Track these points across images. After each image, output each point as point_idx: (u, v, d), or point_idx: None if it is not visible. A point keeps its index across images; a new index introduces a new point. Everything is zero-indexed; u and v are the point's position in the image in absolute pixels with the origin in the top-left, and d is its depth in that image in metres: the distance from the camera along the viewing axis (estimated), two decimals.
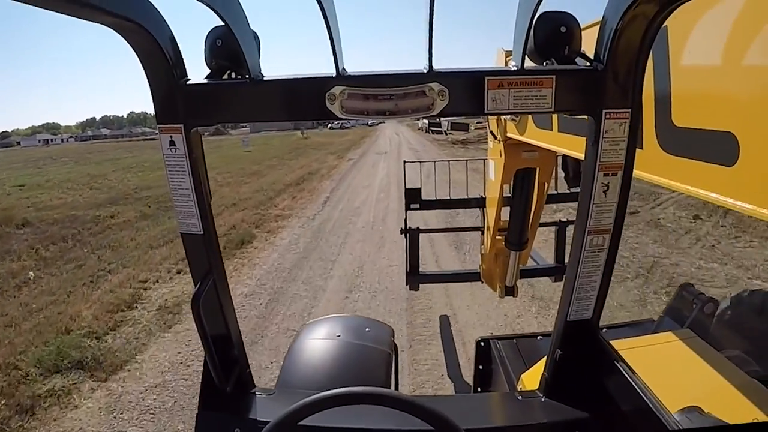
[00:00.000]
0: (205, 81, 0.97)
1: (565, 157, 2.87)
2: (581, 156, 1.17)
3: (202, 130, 1.05)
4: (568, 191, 3.55)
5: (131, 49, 0.91)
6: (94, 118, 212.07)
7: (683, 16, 0.92)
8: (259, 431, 0.95)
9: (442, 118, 38.77)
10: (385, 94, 0.92)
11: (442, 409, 0.86)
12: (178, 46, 0.94)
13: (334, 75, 0.92)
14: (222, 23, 0.87)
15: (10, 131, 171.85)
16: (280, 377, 1.66)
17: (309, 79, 0.95)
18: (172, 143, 0.98)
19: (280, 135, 52.83)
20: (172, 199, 1.03)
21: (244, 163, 22.35)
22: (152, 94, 0.96)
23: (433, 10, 0.82)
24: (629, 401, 1.03)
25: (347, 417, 1.06)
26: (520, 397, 1.30)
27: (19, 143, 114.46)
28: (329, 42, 0.88)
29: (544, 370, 1.25)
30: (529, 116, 2.11)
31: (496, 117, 2.55)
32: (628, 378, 1.04)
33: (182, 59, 0.96)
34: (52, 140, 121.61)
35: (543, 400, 1.23)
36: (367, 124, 74.24)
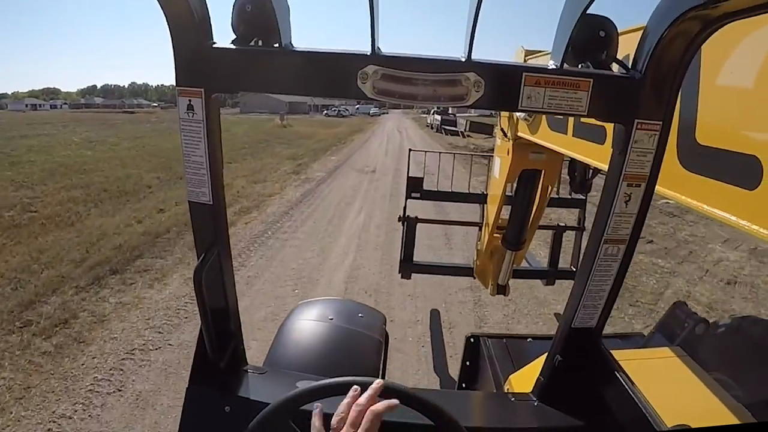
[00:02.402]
0: (233, 46, 0.92)
1: (573, 162, 2.71)
2: (593, 163, 1.46)
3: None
4: (569, 196, 3.49)
5: (157, 4, 0.86)
6: (95, 86, 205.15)
7: (718, 37, 0.87)
8: (249, 410, 0.95)
9: (458, 116, 31.17)
10: (420, 78, 0.89)
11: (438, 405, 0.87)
12: (207, 7, 0.90)
13: (369, 53, 0.89)
14: None
15: (9, 93, 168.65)
16: (269, 355, 1.63)
17: (342, 55, 0.91)
18: (190, 107, 0.94)
19: (263, 119, 43.48)
20: (184, 166, 1.00)
21: (147, 166, 14.29)
22: (174, 55, 0.91)
23: None
24: (627, 412, 1.04)
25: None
26: (512, 399, 1.27)
27: (7, 106, 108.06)
28: (369, 19, 0.85)
29: (540, 374, 1.23)
30: (543, 118, 2.10)
31: (508, 114, 2.56)
32: (628, 389, 1.05)
33: (210, 21, 0.91)
34: (40, 105, 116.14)
35: (536, 404, 1.21)
36: (368, 114, 67.15)
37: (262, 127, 31.16)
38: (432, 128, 34.15)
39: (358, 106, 69.67)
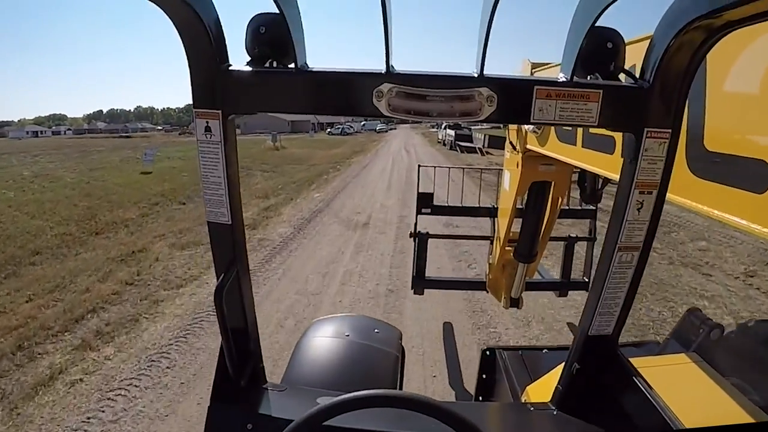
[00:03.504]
0: (249, 68, 0.92)
1: (583, 173, 2.67)
2: (604, 173, 1.48)
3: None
4: (579, 207, 3.45)
5: (175, 29, 0.88)
6: (101, 111, 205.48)
7: (723, 44, 0.88)
8: (271, 427, 0.95)
9: (474, 131, 27.36)
10: (434, 95, 0.91)
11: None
12: (222, 30, 0.91)
13: (383, 72, 0.90)
14: (267, 10, 0.87)
15: (16, 121, 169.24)
16: (287, 373, 1.62)
17: (358, 74, 0.92)
18: (207, 129, 0.94)
19: (259, 140, 39.14)
20: (202, 187, 1.00)
21: (65, 214, 10.49)
22: (191, 78, 0.92)
23: (493, 15, 0.81)
24: (648, 418, 1.02)
25: (361, 420, 1.01)
26: (531, 409, 1.26)
27: (8, 134, 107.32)
28: (383, 38, 0.86)
29: (558, 383, 1.22)
30: (552, 129, 2.08)
31: (516, 127, 2.56)
32: (647, 395, 1.04)
33: (225, 44, 0.92)
34: (42, 132, 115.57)
35: (555, 413, 1.19)
36: (375, 130, 64.18)
37: (250, 150, 27.09)
38: (445, 145, 29.93)
39: (363, 122, 66.26)
